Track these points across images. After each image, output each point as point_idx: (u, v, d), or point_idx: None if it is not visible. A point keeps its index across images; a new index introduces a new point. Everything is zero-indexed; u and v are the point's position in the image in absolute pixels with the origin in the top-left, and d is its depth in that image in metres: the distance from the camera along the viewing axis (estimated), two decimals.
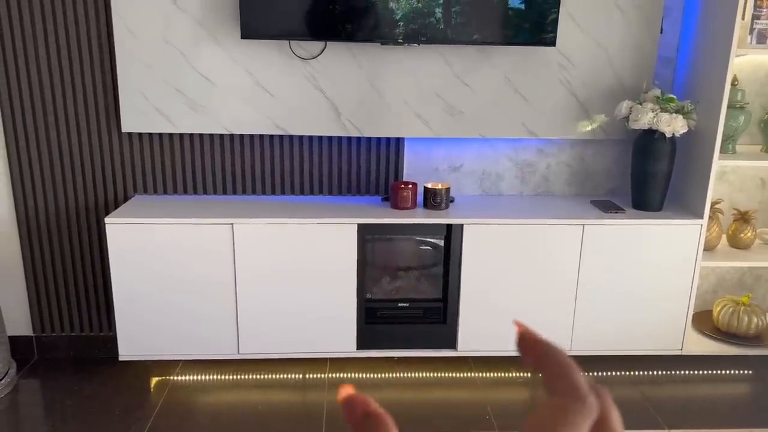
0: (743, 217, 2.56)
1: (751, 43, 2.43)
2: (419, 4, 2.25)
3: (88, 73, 2.40)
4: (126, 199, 2.53)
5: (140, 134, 2.49)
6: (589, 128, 2.55)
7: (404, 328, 2.49)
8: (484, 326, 2.46)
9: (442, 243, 2.46)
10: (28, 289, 2.59)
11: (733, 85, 2.35)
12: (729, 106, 2.33)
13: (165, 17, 2.33)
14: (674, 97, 2.36)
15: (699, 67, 2.44)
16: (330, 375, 2.46)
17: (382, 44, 2.37)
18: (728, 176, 2.72)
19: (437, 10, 2.26)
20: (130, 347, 2.38)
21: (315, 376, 2.46)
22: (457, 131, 2.55)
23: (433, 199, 2.45)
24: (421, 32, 2.29)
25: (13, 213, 2.51)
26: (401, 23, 2.28)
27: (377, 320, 2.47)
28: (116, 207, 2.51)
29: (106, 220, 2.26)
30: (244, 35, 2.26)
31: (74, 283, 2.60)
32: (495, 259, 2.40)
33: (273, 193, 2.61)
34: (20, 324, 2.61)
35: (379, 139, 2.59)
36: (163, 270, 2.31)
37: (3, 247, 2.54)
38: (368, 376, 2.48)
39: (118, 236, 2.27)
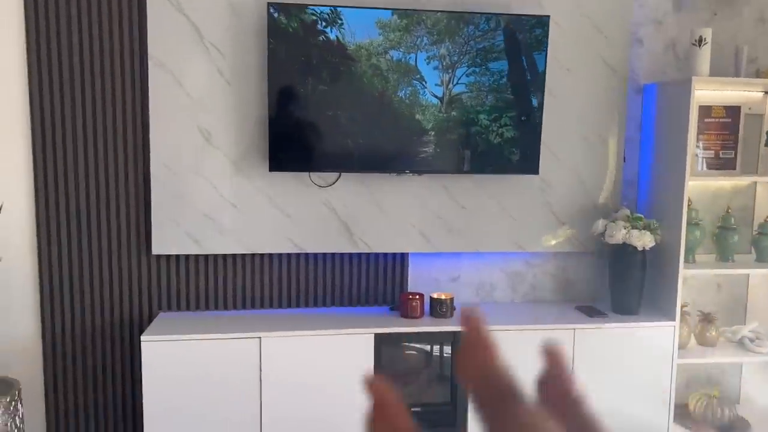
0: (707, 318, 2.92)
1: (700, 169, 2.90)
2: (424, 142, 2.62)
3: (122, 201, 2.62)
4: (152, 317, 2.69)
5: (168, 255, 2.69)
6: (562, 240, 2.90)
7: None
8: None
9: (449, 348, 2.69)
10: (47, 407, 2.65)
11: (687, 206, 2.78)
12: (687, 223, 2.74)
13: (198, 153, 2.62)
14: (641, 216, 2.76)
15: (658, 190, 2.88)
16: None
17: (389, 174, 2.71)
18: (689, 281, 3.09)
19: (439, 149, 2.63)
20: None
21: None
22: (455, 246, 2.86)
23: (439, 308, 2.71)
24: (424, 165, 2.65)
25: (39, 331, 2.62)
26: (406, 157, 2.63)
27: None
28: (141, 325, 2.66)
29: (142, 338, 2.41)
30: (272, 169, 2.56)
31: (94, 403, 2.68)
32: None
33: (289, 306, 2.82)
34: None
35: (386, 254, 2.87)
36: (192, 384, 2.44)
37: (26, 366, 2.62)
38: None
39: (151, 354, 2.41)
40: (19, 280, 2.60)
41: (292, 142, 2.58)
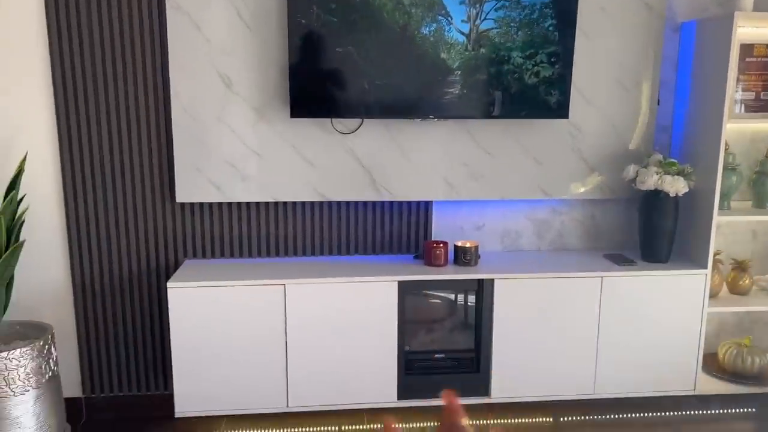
0: (740, 266, 2.84)
1: (738, 111, 2.77)
2: (450, 83, 2.53)
3: (145, 149, 2.61)
4: (177, 264, 2.71)
5: (192, 203, 2.69)
6: (591, 186, 2.82)
7: (440, 377, 2.67)
8: (515, 373, 2.65)
9: (473, 296, 2.68)
10: (80, 351, 2.72)
11: (724, 150, 2.66)
12: (723, 168, 2.63)
13: (219, 99, 2.58)
14: (675, 161, 2.66)
15: (694, 134, 2.76)
16: (370, 425, 2.61)
17: (412, 119, 2.64)
18: (723, 229, 3.00)
19: (466, 90, 2.54)
20: (185, 405, 2.52)
21: (354, 427, 2.61)
22: (480, 194, 2.80)
23: (464, 256, 2.68)
24: (449, 109, 2.57)
25: (69, 277, 2.67)
26: (431, 101, 2.56)
27: (415, 371, 2.65)
28: (167, 272, 2.69)
29: (168, 284, 2.43)
30: (294, 115, 2.51)
31: (125, 345, 2.74)
32: (524, 310, 2.62)
33: (313, 254, 2.82)
34: (70, 386, 2.72)
35: (409, 202, 2.83)
36: (218, 330, 2.48)
37: (58, 311, 2.68)
38: (409, 425, 2.64)
39: (178, 299, 2.44)
40: (47, 228, 2.63)
41: (313, 87, 2.51)
